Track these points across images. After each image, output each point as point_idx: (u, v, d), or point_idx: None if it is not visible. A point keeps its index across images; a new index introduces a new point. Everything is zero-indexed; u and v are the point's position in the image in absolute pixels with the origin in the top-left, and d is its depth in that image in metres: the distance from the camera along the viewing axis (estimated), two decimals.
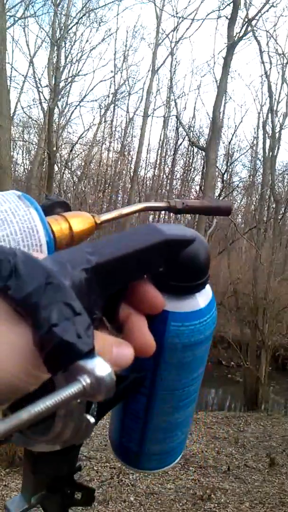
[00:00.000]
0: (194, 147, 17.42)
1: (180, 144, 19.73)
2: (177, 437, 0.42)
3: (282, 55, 11.28)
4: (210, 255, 0.34)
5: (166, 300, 0.33)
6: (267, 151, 11.57)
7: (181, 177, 20.45)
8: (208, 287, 0.36)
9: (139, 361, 0.35)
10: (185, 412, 0.40)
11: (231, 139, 17.72)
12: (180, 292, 0.34)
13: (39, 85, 12.05)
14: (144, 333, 0.31)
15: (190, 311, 0.34)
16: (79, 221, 0.47)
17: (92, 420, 0.27)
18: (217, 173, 14.97)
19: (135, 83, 19.79)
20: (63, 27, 11.81)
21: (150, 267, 0.30)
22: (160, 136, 20.53)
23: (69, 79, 12.72)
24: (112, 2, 13.21)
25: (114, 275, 0.28)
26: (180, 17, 12.68)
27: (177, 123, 18.07)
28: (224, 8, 8.72)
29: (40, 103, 12.32)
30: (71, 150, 15.20)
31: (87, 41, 15.27)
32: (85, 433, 0.29)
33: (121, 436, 0.43)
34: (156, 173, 20.02)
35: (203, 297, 0.35)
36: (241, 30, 7.80)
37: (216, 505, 3.79)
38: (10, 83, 11.36)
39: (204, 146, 11.41)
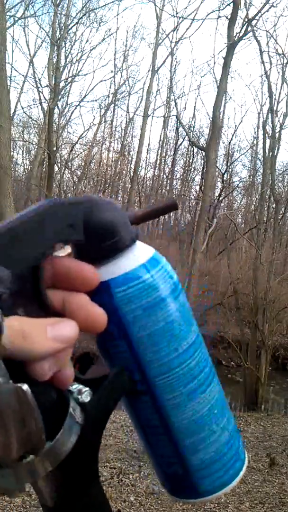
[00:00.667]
0: (194, 147, 17.43)
1: (180, 144, 19.76)
2: (214, 434, 0.35)
3: (282, 55, 11.28)
4: (119, 209, 0.32)
5: (101, 271, 0.31)
6: (267, 151, 11.57)
7: (181, 177, 20.49)
8: (141, 243, 0.33)
9: (112, 354, 0.33)
10: (203, 397, 0.34)
11: (231, 139, 17.75)
12: (108, 255, 0.32)
13: (39, 85, 12.07)
14: (85, 306, 0.29)
15: (131, 269, 0.32)
16: None
17: (25, 387, 0.24)
18: (217, 173, 14.97)
19: (135, 83, 19.80)
20: (63, 27, 11.81)
21: (49, 236, 0.29)
22: (160, 136, 20.56)
23: (69, 79, 12.73)
24: (112, 2, 13.23)
25: (9, 249, 0.27)
26: (180, 17, 12.68)
27: (177, 123, 18.10)
28: (224, 8, 8.71)
29: (40, 103, 12.33)
30: (71, 150, 15.20)
31: (87, 41, 15.31)
32: (31, 412, 0.24)
33: (161, 466, 0.37)
34: (156, 173, 20.04)
35: (140, 252, 0.33)
36: (241, 30, 7.80)
37: (216, 505, 3.79)
38: (10, 83, 11.37)
39: (204, 146, 11.41)
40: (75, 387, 0.30)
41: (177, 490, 0.38)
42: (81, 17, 11.93)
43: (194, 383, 0.34)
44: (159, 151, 20.05)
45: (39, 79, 12.55)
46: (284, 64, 11.50)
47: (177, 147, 19.71)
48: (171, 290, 0.33)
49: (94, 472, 0.32)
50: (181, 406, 0.34)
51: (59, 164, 13.91)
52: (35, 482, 0.30)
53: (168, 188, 20.02)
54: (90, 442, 0.30)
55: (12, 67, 11.86)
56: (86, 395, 0.30)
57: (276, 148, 11.67)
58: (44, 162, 13.34)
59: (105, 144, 19.01)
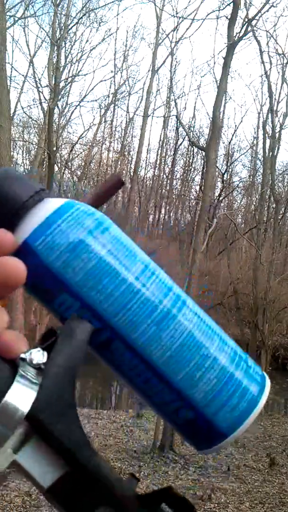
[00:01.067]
0: (194, 147, 17.43)
1: (180, 144, 19.76)
2: (208, 358, 0.32)
3: (282, 55, 11.31)
4: (17, 172, 0.32)
5: (18, 235, 0.31)
6: (267, 151, 11.58)
7: (181, 177, 20.48)
8: (52, 198, 0.33)
9: (62, 312, 0.32)
10: (178, 322, 0.32)
11: (231, 139, 17.77)
12: (17, 216, 0.31)
13: (39, 85, 12.08)
14: None
15: (43, 220, 0.31)
16: None
17: None
18: (217, 173, 14.97)
19: (135, 83, 19.83)
20: (63, 27, 11.82)
21: None
22: (160, 136, 20.56)
23: (69, 79, 12.75)
24: (112, 2, 13.24)
25: None
26: (180, 17, 12.69)
27: (177, 123, 18.10)
28: (224, 8, 8.71)
29: (40, 103, 12.34)
30: (71, 150, 15.22)
31: (87, 41, 15.30)
32: None
33: (172, 419, 0.34)
34: (156, 173, 20.04)
35: (51, 204, 0.32)
36: (241, 30, 7.79)
37: (216, 505, 3.80)
38: (10, 83, 11.38)
39: (204, 146, 11.41)
40: (28, 353, 0.28)
41: (200, 440, 0.34)
42: (81, 17, 11.96)
43: (159, 311, 0.31)
44: (159, 151, 20.06)
45: (39, 79, 12.57)
46: (284, 64, 11.52)
47: (177, 147, 19.74)
48: (94, 226, 0.32)
49: (78, 438, 0.28)
50: (155, 339, 0.31)
51: (59, 164, 13.92)
52: (20, 466, 0.28)
53: (168, 188, 20.03)
54: (58, 403, 0.28)
55: (12, 67, 11.88)
56: (39, 356, 0.28)
57: (276, 148, 11.69)
58: (44, 162, 13.34)
59: (105, 144, 19.04)
